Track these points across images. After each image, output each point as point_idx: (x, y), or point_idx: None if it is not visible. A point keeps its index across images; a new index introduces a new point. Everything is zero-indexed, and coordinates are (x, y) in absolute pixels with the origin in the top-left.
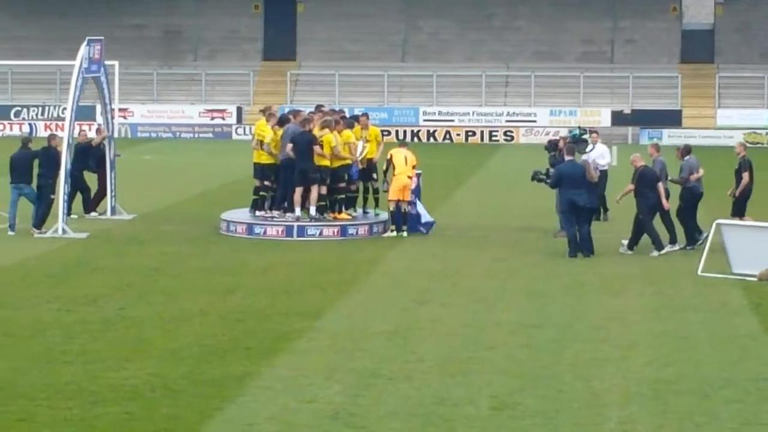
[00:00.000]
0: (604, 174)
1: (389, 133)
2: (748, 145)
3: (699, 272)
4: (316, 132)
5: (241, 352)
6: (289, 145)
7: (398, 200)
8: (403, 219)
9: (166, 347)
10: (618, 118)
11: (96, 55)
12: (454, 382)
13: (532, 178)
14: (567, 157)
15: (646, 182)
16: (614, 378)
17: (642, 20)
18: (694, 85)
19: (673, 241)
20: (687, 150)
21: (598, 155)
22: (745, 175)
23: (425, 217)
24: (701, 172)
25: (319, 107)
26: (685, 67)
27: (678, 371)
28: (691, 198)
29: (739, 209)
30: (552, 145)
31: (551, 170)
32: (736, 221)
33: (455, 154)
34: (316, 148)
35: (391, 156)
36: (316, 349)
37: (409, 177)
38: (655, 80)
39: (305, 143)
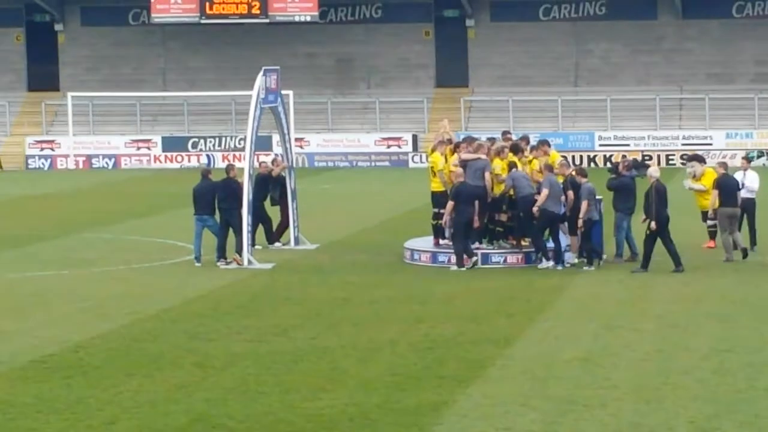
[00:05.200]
0: (752, 202)
1: (565, 158)
2: None
3: None
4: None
5: (434, 380)
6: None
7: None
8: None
9: (359, 377)
10: None
11: (272, 85)
12: (649, 408)
13: None
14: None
15: (463, 198)
16: None
17: None
18: None
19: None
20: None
21: (750, 181)
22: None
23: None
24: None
25: (505, 133)
26: None
27: None
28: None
29: None
30: (614, 168)
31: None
32: None
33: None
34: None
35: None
36: (509, 376)
37: None
38: None
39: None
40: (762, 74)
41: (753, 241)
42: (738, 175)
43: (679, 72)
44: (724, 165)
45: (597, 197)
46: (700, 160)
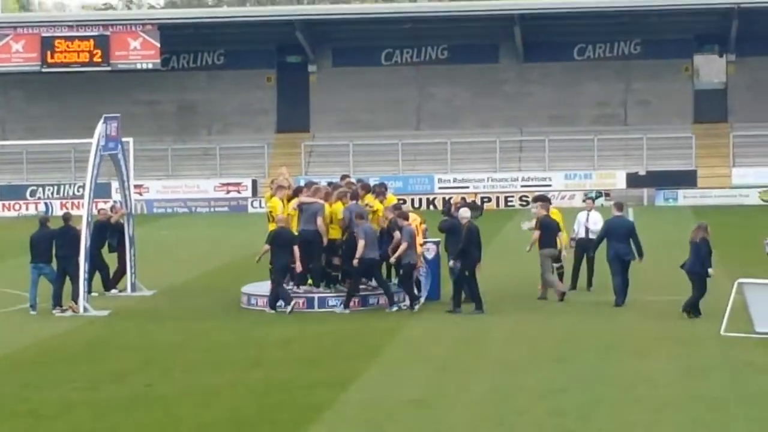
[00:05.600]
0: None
1: (405, 201)
2: (762, 202)
3: (722, 332)
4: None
5: (271, 424)
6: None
7: None
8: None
9: (196, 422)
10: (633, 180)
11: (113, 132)
12: None
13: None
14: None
15: (278, 243)
16: None
17: (655, 81)
18: (708, 145)
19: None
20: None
21: (593, 222)
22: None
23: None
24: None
25: (344, 177)
26: (699, 127)
27: None
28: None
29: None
30: (446, 210)
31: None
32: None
33: None
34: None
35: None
36: (346, 419)
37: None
38: (669, 141)
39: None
40: (602, 116)
41: (590, 282)
42: (582, 216)
43: (520, 114)
44: (546, 207)
45: (434, 240)
46: (545, 200)
